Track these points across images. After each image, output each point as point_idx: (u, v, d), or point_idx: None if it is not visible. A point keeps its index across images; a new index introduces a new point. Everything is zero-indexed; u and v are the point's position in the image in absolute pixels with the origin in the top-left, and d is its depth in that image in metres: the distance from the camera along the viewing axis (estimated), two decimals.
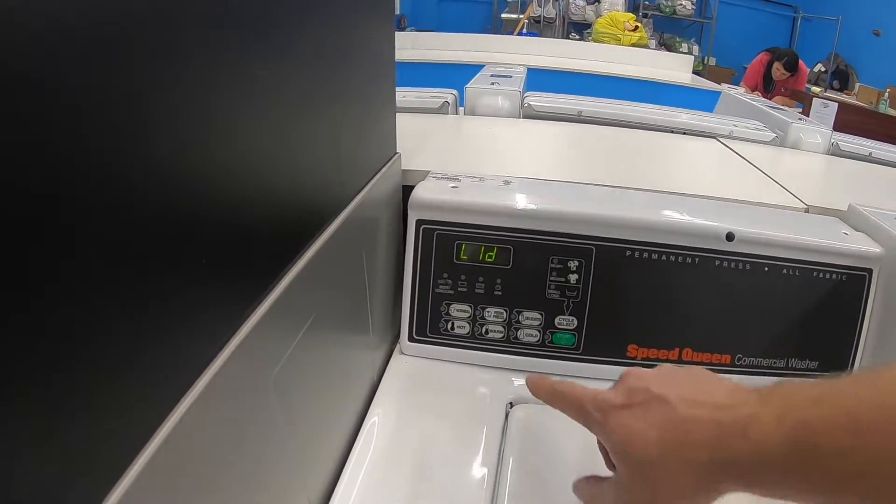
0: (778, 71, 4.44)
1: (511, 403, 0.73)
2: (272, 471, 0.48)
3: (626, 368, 0.50)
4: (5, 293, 0.22)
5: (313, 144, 0.53)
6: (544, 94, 1.50)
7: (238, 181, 0.39)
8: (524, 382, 0.75)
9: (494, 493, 0.61)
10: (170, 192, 0.32)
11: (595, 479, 0.51)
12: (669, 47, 6.62)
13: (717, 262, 0.76)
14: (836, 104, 3.73)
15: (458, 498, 0.60)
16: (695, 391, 0.43)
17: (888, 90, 5.27)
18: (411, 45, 3.02)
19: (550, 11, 6.80)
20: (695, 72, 3.85)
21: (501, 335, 0.77)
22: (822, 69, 6.45)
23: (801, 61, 4.52)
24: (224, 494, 0.40)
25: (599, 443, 0.50)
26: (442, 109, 1.34)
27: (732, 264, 0.76)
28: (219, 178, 0.37)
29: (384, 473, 0.62)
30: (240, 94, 0.39)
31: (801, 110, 3.10)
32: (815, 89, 5.67)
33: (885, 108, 5.06)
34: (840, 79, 6.41)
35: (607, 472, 0.50)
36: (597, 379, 0.76)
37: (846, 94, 6.03)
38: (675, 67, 3.44)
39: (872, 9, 6.30)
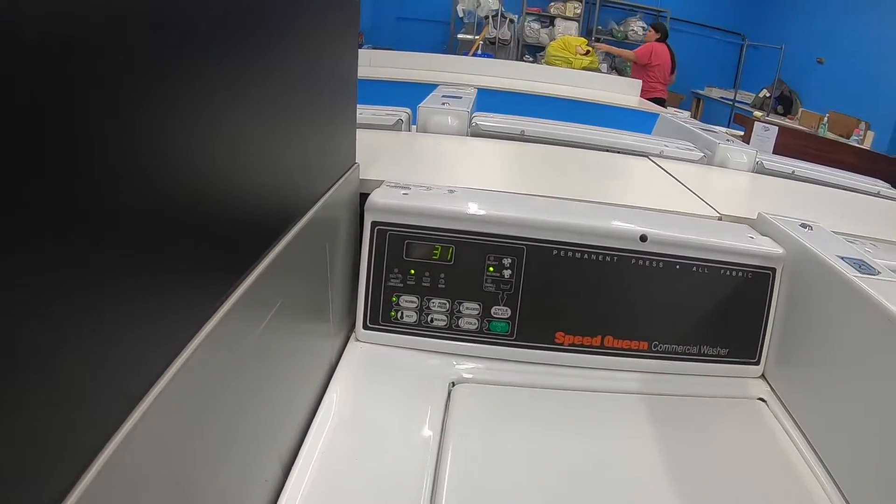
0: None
1: (453, 383, 0.83)
2: (247, 431, 0.57)
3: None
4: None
5: (286, 152, 0.62)
6: (491, 114, 1.60)
7: (220, 182, 0.49)
8: (464, 365, 0.86)
9: (438, 457, 0.71)
10: (158, 189, 0.40)
11: None
12: (620, 71, 6.81)
13: (633, 261, 0.88)
14: (777, 128, 3.91)
15: (406, 462, 0.70)
16: None
17: (828, 115, 5.51)
18: (369, 63, 3.09)
19: (505, 33, 6.98)
20: None
21: (444, 323, 0.87)
22: (767, 94, 6.68)
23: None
24: (205, 453, 0.50)
25: None
26: (396, 126, 1.44)
27: (646, 262, 0.88)
28: (204, 178, 0.46)
29: (341, 439, 0.71)
30: (226, 107, 0.48)
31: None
32: (758, 113, 5.89)
33: (824, 132, 5.29)
34: (784, 104, 6.64)
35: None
36: (529, 362, 0.87)
37: (789, 118, 6.27)
38: (624, 91, 3.58)
39: (815, 38, 6.57)
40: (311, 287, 0.75)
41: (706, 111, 7.31)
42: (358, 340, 0.89)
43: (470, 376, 0.85)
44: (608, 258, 0.87)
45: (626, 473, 0.73)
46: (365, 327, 0.88)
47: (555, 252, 0.86)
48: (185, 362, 0.44)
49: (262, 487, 0.62)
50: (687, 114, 3.84)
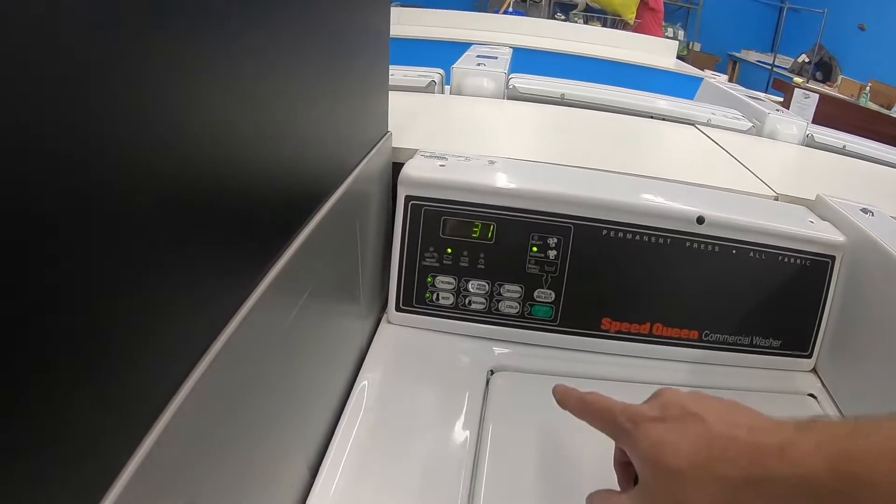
0: None
1: (491, 371, 0.78)
2: (275, 430, 0.52)
3: (659, 388, 0.50)
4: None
5: (314, 122, 0.56)
6: (529, 76, 1.53)
7: (244, 156, 0.43)
8: (503, 351, 0.81)
9: (476, 454, 0.65)
10: (177, 168, 0.34)
11: (609, 492, 0.51)
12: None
13: (688, 244, 0.81)
14: (818, 95, 3.77)
15: (441, 458, 0.65)
16: (731, 414, 0.44)
17: (870, 84, 5.34)
18: (397, 21, 3.00)
19: None
20: (679, 56, 3.88)
21: (483, 307, 0.82)
22: (807, 60, 6.50)
23: None
24: (233, 454, 0.45)
25: (616, 459, 0.53)
26: (428, 88, 1.37)
27: (702, 246, 0.81)
28: (226, 153, 0.40)
29: (373, 435, 0.66)
30: (245, 71, 0.42)
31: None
32: (798, 80, 5.73)
33: (865, 102, 5.13)
34: (823, 70, 6.48)
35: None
36: (572, 349, 0.81)
37: (829, 85, 6.10)
38: (660, 52, 3.47)
39: (858, 3, 6.37)
40: (342, 268, 0.70)
41: (742, 75, 7.13)
42: (390, 322, 0.83)
43: (510, 363, 0.79)
44: (661, 240, 0.80)
45: None
46: (398, 309, 0.82)
47: (604, 232, 0.80)
48: (212, 360, 0.39)
49: (288, 491, 0.57)
50: (724, 77, 3.72)
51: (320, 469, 0.62)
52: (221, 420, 0.42)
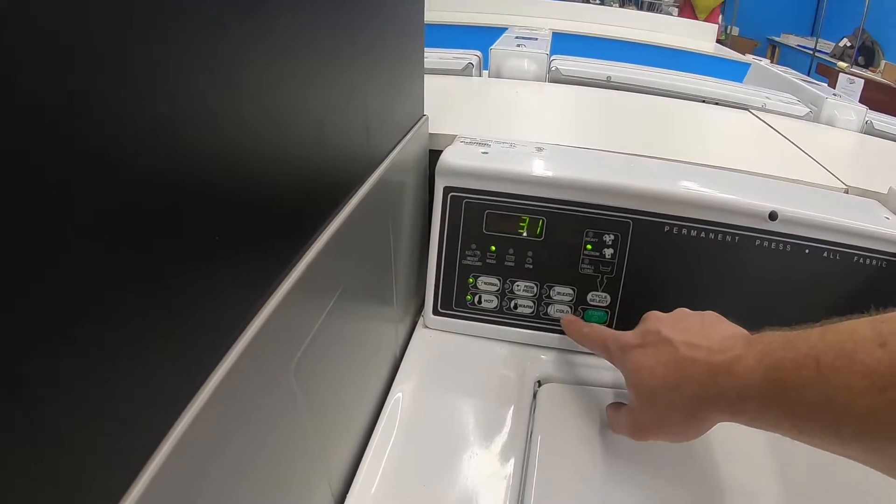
0: None
1: (539, 382, 0.70)
2: (293, 458, 0.45)
3: (647, 312, 0.61)
4: None
5: (341, 104, 0.49)
6: (571, 57, 1.45)
7: (261, 142, 0.36)
8: (553, 359, 0.73)
9: (523, 475, 0.58)
10: (178, 157, 0.28)
11: (617, 405, 0.61)
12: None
13: (758, 242, 0.72)
14: (863, 81, 3.65)
15: (485, 481, 0.58)
16: (697, 336, 0.52)
17: None
18: (429, 6, 2.91)
19: None
20: (717, 41, 3.76)
21: (531, 310, 0.74)
22: (849, 44, 6.31)
23: None
24: (243, 490, 0.37)
25: None
26: (465, 71, 1.30)
27: (773, 244, 0.72)
28: (238, 139, 0.33)
29: (407, 456, 0.60)
30: (261, 45, 0.35)
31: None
32: (842, 64, 5.57)
33: None
34: (865, 55, 6.28)
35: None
36: None
37: (871, 70, 5.92)
38: (699, 36, 3.35)
39: None
40: (373, 268, 0.63)
41: (782, 59, 6.95)
42: (426, 328, 0.76)
43: (560, 374, 0.72)
44: (728, 238, 0.72)
45: (735, 494, 0.60)
46: (435, 312, 0.75)
47: (666, 228, 0.71)
48: (222, 377, 0.32)
49: None
50: (766, 62, 3.60)
51: (348, 494, 0.55)
52: (228, 444, 0.35)
